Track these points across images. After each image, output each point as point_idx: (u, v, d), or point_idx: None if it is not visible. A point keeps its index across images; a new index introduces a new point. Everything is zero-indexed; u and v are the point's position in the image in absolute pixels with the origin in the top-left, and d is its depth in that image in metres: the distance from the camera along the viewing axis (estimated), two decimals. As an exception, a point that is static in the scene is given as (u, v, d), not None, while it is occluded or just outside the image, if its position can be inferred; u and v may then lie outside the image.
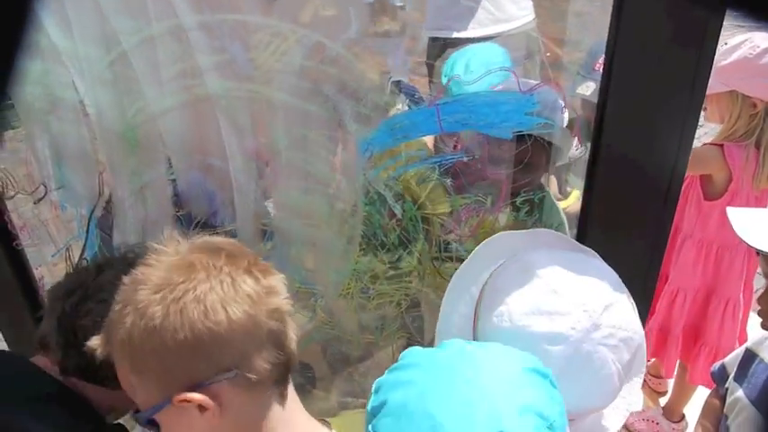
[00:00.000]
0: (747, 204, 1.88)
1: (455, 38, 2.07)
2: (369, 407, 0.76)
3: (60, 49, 1.34)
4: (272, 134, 1.35)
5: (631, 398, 0.90)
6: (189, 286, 0.79)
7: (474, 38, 2.16)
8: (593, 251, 0.95)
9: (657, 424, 2.29)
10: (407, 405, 0.69)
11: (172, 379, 0.80)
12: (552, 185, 1.53)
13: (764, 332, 1.25)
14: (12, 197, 1.53)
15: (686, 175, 1.84)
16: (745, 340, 2.04)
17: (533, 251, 0.90)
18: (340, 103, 1.29)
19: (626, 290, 0.87)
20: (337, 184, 1.39)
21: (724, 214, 1.89)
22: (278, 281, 0.86)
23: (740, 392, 1.30)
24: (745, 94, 1.78)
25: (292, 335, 0.87)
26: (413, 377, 0.72)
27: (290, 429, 0.87)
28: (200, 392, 0.79)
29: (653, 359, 2.30)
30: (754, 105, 1.81)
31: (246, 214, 1.45)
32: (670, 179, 1.19)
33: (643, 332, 0.87)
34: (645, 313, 1.42)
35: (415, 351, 0.78)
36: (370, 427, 0.73)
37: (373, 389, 0.77)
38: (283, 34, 1.25)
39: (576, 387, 0.79)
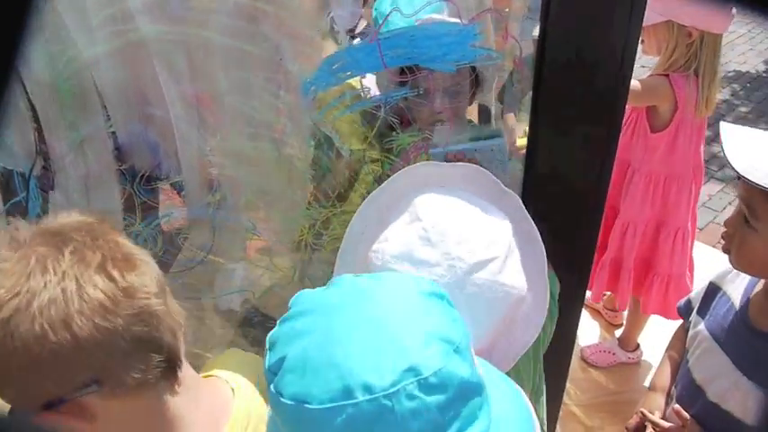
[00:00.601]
0: (691, 134, 1.93)
1: None
2: (266, 365, 0.70)
3: (-21, -2, 1.26)
4: (211, 78, 1.31)
5: (510, 358, 0.87)
6: (21, 302, 0.67)
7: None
8: (513, 194, 0.92)
9: (614, 354, 2.38)
10: (309, 357, 0.65)
11: (28, 398, 0.73)
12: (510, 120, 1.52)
13: (729, 265, 1.24)
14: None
15: (632, 106, 1.88)
16: (693, 268, 2.11)
17: (432, 192, 0.87)
18: (279, 43, 1.26)
19: (515, 247, 0.84)
20: (283, 127, 1.36)
21: (670, 145, 1.94)
22: (142, 275, 0.75)
23: (701, 326, 1.31)
24: (680, 23, 1.81)
25: (171, 329, 0.77)
26: (309, 325, 0.68)
27: (185, 423, 0.81)
28: (62, 408, 0.71)
29: (608, 293, 2.37)
30: (690, 35, 1.83)
31: (191, 164, 1.41)
32: (613, 104, 1.21)
33: (522, 294, 0.83)
34: (592, 245, 1.45)
35: (305, 296, 0.73)
36: (272, 387, 0.67)
37: (267, 344, 0.71)
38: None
39: None
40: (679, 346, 1.42)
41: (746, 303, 1.22)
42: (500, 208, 0.89)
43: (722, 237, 1.24)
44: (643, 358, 2.38)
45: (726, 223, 1.23)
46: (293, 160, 1.39)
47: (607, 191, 1.37)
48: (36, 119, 1.41)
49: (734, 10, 1.77)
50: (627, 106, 1.92)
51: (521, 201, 0.92)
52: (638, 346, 2.39)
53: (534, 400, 1.14)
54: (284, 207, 1.46)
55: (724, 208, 3.50)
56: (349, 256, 0.91)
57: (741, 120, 4.25)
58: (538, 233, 0.91)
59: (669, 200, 2.00)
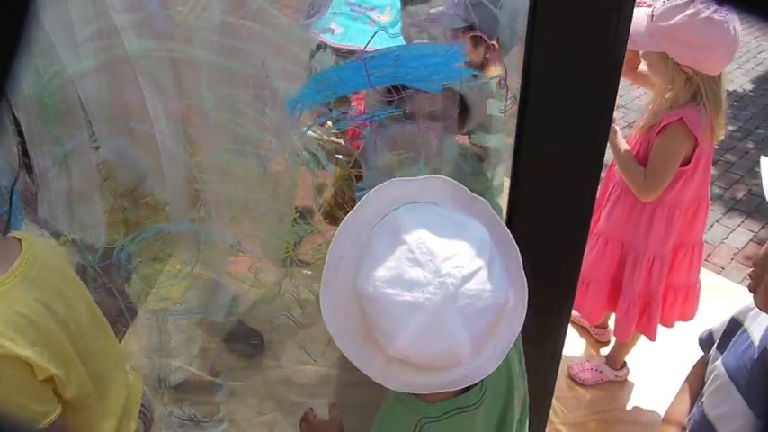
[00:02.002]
0: (706, 161, 1.94)
1: None
2: None
3: (-36, 11, 1.26)
4: (197, 95, 1.31)
5: (498, 352, 0.91)
6: None
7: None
8: (482, 200, 0.95)
9: (600, 372, 2.37)
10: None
11: None
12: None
13: (751, 301, 1.20)
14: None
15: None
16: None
17: (408, 211, 0.90)
18: (266, 60, 1.26)
19: (497, 251, 0.88)
20: (268, 144, 1.36)
21: (690, 177, 1.94)
22: None
23: (719, 361, 1.28)
24: (676, 60, 1.78)
25: None
26: None
27: None
28: None
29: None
30: (687, 72, 1.79)
31: (177, 180, 1.41)
32: (597, 121, 1.21)
33: (507, 295, 0.87)
34: (578, 262, 1.45)
35: None
36: None
37: None
38: (201, -11, 1.21)
39: (429, 350, 0.84)
40: (696, 379, 1.39)
41: (766, 345, 1.18)
42: (472, 215, 0.92)
43: (749, 276, 1.21)
44: (629, 377, 2.38)
45: (754, 263, 1.18)
46: (279, 177, 1.38)
47: (593, 204, 1.37)
48: (20, 133, 1.41)
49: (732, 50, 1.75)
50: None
51: (489, 205, 0.94)
52: (624, 364, 2.39)
53: (521, 422, 1.15)
54: (269, 223, 1.46)
55: (711, 226, 3.54)
56: (331, 283, 0.92)
57: (728, 139, 4.29)
58: (510, 234, 0.94)
59: (687, 223, 2.02)
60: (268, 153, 1.37)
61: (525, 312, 0.93)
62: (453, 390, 0.92)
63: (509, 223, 1.33)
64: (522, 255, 0.93)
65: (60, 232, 1.56)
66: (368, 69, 1.26)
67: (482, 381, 0.96)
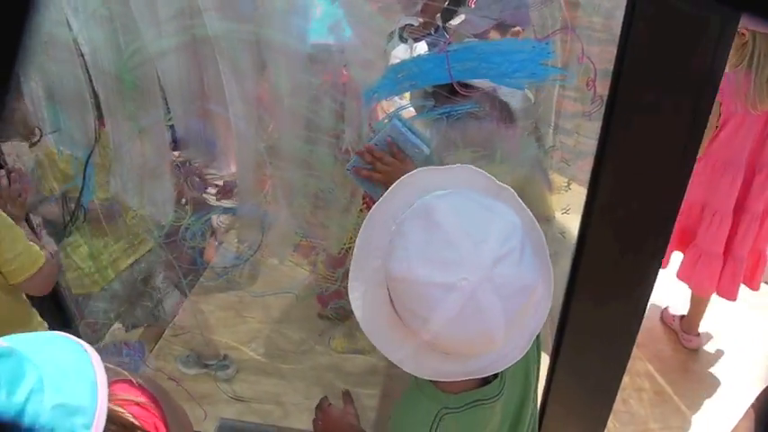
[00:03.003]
0: (750, 125, 1.93)
1: None
2: None
3: (53, -16, 1.27)
4: (275, 79, 1.29)
5: (525, 341, 0.90)
6: None
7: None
8: (509, 189, 0.93)
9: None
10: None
11: None
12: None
13: None
14: (5, 141, 1.49)
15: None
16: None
17: (439, 196, 0.89)
18: (345, 49, 1.23)
19: (527, 237, 0.86)
20: (341, 133, 1.34)
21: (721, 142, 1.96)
22: None
23: None
24: None
25: None
26: None
27: None
28: None
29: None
30: (743, 34, 1.81)
31: (247, 163, 1.41)
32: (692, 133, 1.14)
33: (537, 278, 0.86)
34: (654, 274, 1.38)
35: None
36: None
37: None
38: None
39: (464, 332, 0.82)
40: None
41: None
42: (500, 202, 0.90)
43: None
44: (683, 407, 2.32)
45: None
46: (349, 168, 1.36)
47: (676, 216, 1.30)
48: (98, 107, 1.42)
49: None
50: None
51: (515, 194, 0.92)
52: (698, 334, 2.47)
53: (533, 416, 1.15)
54: (335, 212, 1.44)
55: None
56: (360, 272, 0.91)
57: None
58: (536, 222, 0.92)
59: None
60: (340, 142, 1.34)
61: (551, 302, 0.91)
62: (479, 378, 0.91)
63: (585, 226, 1.28)
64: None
65: (129, 206, 1.58)
66: (449, 62, 1.22)
67: (502, 374, 0.96)
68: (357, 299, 0.90)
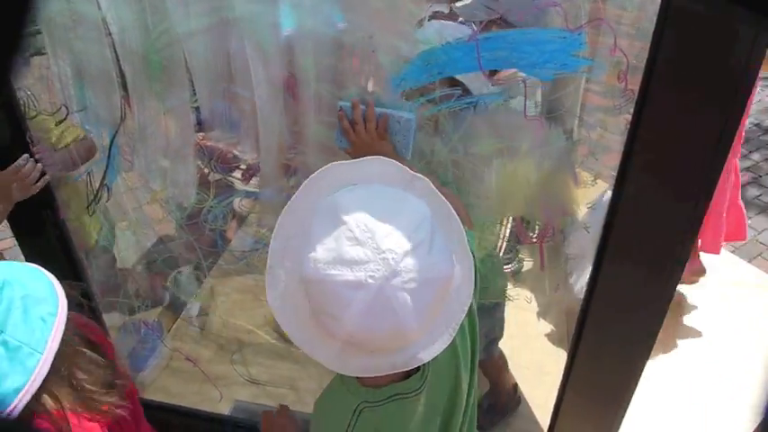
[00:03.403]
0: None
1: None
2: None
3: (83, -38, 1.27)
4: (301, 64, 1.28)
5: (450, 330, 0.90)
6: None
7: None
8: (424, 178, 0.91)
9: None
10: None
11: None
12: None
13: None
14: (33, 117, 1.50)
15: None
16: None
17: (347, 192, 0.89)
18: (374, 34, 1.22)
19: (440, 226, 0.87)
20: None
21: None
22: None
23: None
24: None
25: None
26: None
27: None
28: None
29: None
30: None
31: (270, 147, 1.40)
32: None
33: (451, 269, 0.87)
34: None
35: None
36: None
37: None
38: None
39: (377, 329, 0.83)
40: None
41: None
42: (414, 192, 0.91)
43: None
44: None
45: None
46: (373, 154, 1.34)
47: (704, 214, 1.28)
48: (124, 87, 1.43)
49: None
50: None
51: (431, 183, 0.91)
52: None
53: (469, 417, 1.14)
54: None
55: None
56: (276, 272, 0.90)
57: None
58: (452, 209, 0.92)
59: None
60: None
61: (473, 289, 0.92)
62: (401, 372, 0.92)
63: (609, 222, 1.26)
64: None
65: (152, 188, 1.59)
66: (479, 51, 1.20)
67: (424, 367, 0.97)
68: (274, 300, 0.90)
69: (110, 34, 1.35)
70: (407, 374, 0.96)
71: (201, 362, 2.18)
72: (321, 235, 0.84)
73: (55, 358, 0.93)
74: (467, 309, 0.91)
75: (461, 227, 0.91)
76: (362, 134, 1.24)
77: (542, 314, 2.18)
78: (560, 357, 2.23)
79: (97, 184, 1.59)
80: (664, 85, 1.11)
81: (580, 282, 1.73)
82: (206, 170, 1.52)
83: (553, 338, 2.32)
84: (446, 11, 1.25)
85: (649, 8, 1.26)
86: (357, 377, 0.96)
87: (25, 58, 1.34)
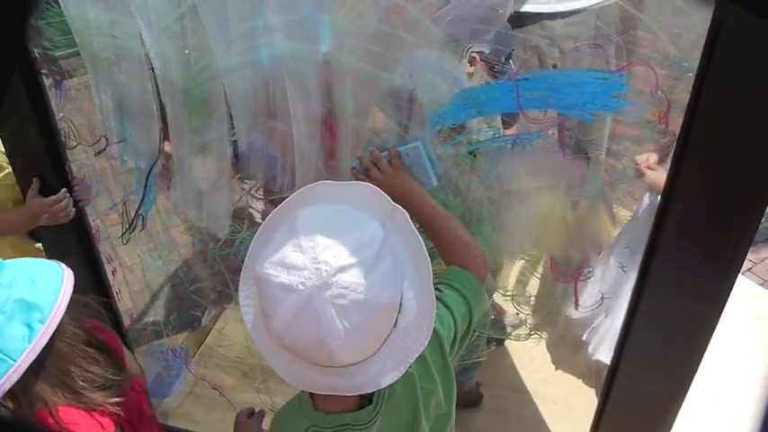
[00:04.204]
0: None
1: (533, 12, 1.96)
2: None
3: (129, 0, 1.30)
4: (340, 99, 1.29)
5: (401, 366, 0.91)
6: None
7: (547, 13, 2.04)
8: (402, 210, 0.94)
9: None
10: None
11: None
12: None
13: None
14: (74, 147, 1.53)
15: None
16: None
17: (312, 205, 0.93)
18: (414, 73, 1.23)
19: (389, 255, 0.88)
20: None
21: None
22: None
23: None
24: None
25: None
26: None
27: None
28: None
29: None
30: None
31: (307, 181, 1.41)
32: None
33: (390, 296, 0.87)
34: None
35: None
36: None
37: None
38: (360, -6, 1.19)
39: (301, 335, 0.86)
40: None
41: None
42: (389, 222, 0.93)
43: None
44: None
45: None
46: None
47: (741, 265, 1.26)
48: (164, 119, 1.45)
49: None
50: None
51: (408, 217, 0.94)
52: None
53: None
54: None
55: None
56: (249, 272, 0.95)
57: None
58: (423, 246, 0.93)
59: None
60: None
61: (430, 334, 0.92)
62: (354, 402, 0.96)
63: (647, 262, 1.24)
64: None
65: (187, 218, 1.60)
66: (519, 91, 1.21)
67: (377, 400, 0.99)
68: (247, 306, 0.95)
69: (152, 69, 1.37)
70: (360, 406, 0.98)
71: (225, 389, 2.17)
72: (277, 240, 0.89)
73: (48, 358, 0.98)
74: (422, 349, 0.92)
75: (430, 268, 0.92)
76: (378, 176, 1.25)
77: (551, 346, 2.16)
78: (587, 392, 2.20)
79: (132, 214, 1.61)
80: (706, 124, 1.09)
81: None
82: (240, 202, 1.54)
83: (579, 373, 2.28)
84: (487, 51, 1.26)
85: (682, 44, 1.26)
86: (312, 400, 0.99)
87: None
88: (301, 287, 0.83)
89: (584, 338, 1.85)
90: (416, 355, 0.92)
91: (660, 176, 1.45)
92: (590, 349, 1.82)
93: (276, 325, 0.86)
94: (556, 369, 2.25)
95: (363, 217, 0.92)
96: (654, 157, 1.50)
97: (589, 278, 1.41)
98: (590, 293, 1.49)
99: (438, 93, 1.24)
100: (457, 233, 1.17)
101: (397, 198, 0.96)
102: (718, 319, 1.29)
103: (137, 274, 1.95)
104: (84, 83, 1.50)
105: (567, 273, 1.44)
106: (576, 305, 1.47)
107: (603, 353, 1.77)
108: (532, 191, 1.33)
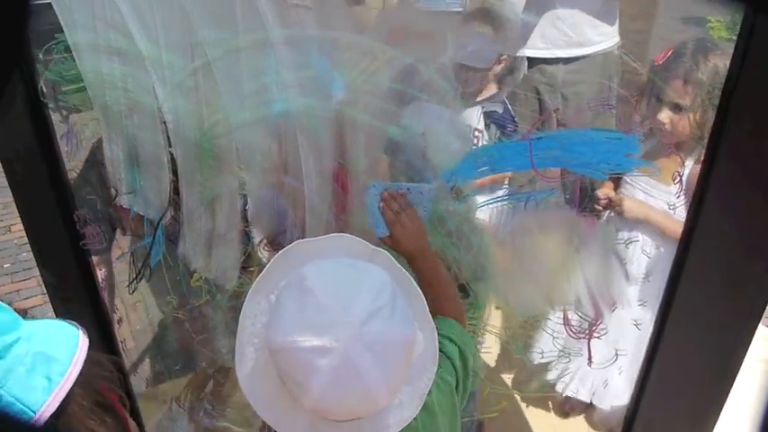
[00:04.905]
0: None
1: (530, 57, 1.98)
2: None
3: (144, 55, 1.31)
4: (352, 156, 1.29)
5: (417, 398, 0.91)
6: None
7: (548, 58, 2.06)
8: (384, 252, 0.96)
9: None
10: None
11: None
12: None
13: None
14: (83, 198, 1.52)
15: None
16: None
17: (312, 264, 0.91)
18: (426, 131, 1.23)
19: (398, 292, 0.88)
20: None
21: None
22: None
23: None
24: None
25: None
26: None
27: None
28: None
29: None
30: None
31: (318, 235, 1.40)
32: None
33: (413, 331, 0.88)
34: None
35: None
36: None
37: None
38: (374, 54, 1.20)
39: (344, 395, 0.83)
40: None
41: None
42: (375, 263, 0.94)
43: None
44: None
45: None
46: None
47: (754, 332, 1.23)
48: (174, 171, 1.45)
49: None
50: None
51: (390, 257, 0.95)
52: None
53: None
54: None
55: None
56: (245, 351, 0.92)
57: None
58: (413, 282, 0.95)
59: None
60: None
61: (437, 359, 0.93)
62: None
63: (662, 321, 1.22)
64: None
65: (195, 269, 1.59)
66: (532, 150, 1.21)
67: None
68: (244, 379, 0.91)
69: (164, 122, 1.38)
70: None
71: (229, 438, 2.13)
72: (288, 305, 0.86)
73: (61, 416, 0.95)
74: (432, 377, 0.92)
75: (422, 297, 0.93)
76: (405, 222, 1.23)
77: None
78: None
79: (140, 264, 1.60)
80: (721, 186, 1.09)
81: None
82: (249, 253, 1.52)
83: (591, 423, 2.24)
84: (500, 110, 1.26)
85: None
86: None
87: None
88: (335, 344, 0.81)
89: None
90: (431, 384, 0.92)
91: (632, 202, 1.43)
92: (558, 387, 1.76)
93: (314, 390, 0.82)
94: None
95: (361, 264, 0.92)
96: (610, 187, 1.47)
97: (603, 335, 1.39)
98: (603, 349, 1.47)
99: (450, 150, 1.24)
100: (449, 282, 1.20)
101: (415, 247, 1.02)
102: (739, 368, 1.27)
103: (139, 314, 1.93)
104: (91, 117, 1.47)
105: (580, 329, 1.42)
106: (590, 361, 1.45)
107: (571, 389, 1.73)
108: (545, 247, 1.32)
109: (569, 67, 2.14)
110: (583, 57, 2.01)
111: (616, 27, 2.17)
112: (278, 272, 0.94)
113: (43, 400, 0.93)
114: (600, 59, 2.14)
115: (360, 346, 0.81)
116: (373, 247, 0.96)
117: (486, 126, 1.28)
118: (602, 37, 2.15)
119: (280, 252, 0.96)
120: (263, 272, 0.95)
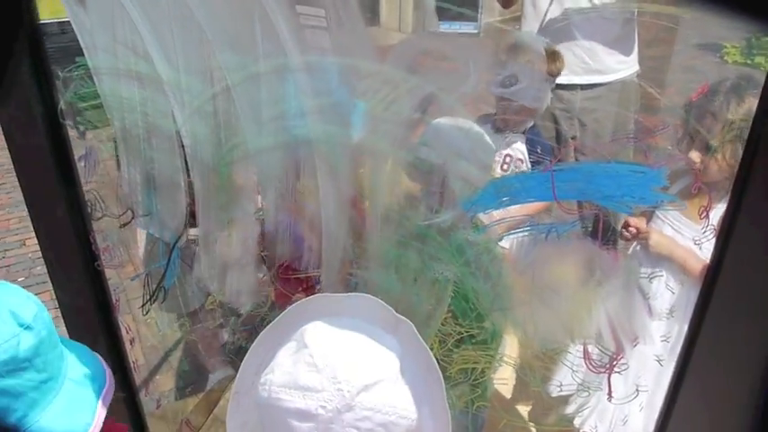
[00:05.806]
0: None
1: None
2: None
3: (163, 79, 1.31)
4: (372, 184, 1.28)
5: None
6: None
7: (565, 84, 2.05)
8: (407, 322, 0.88)
9: None
10: None
11: None
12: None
13: None
14: (99, 219, 1.52)
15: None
16: None
17: (322, 320, 0.84)
18: (446, 161, 1.21)
19: (408, 371, 0.81)
20: (432, 241, 1.31)
21: None
22: None
23: None
24: None
25: None
26: None
27: None
28: None
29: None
30: None
31: (333, 262, 1.38)
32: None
33: (414, 416, 0.79)
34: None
35: None
36: None
37: None
38: (394, 82, 1.18)
39: None
40: None
41: None
42: (395, 335, 0.86)
43: None
44: None
45: None
46: (438, 275, 1.32)
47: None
48: (191, 195, 1.44)
49: None
50: None
51: (414, 327, 0.87)
52: None
53: None
54: (419, 320, 1.39)
55: None
56: (242, 398, 0.86)
57: None
58: (434, 359, 0.86)
59: None
60: (431, 250, 1.31)
61: None
62: None
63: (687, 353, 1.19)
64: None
65: (209, 292, 1.57)
66: (554, 181, 1.18)
67: None
68: (234, 429, 0.86)
69: (182, 146, 1.37)
70: None
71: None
72: (282, 359, 0.80)
73: None
74: None
75: (441, 380, 0.85)
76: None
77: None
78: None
79: (154, 286, 1.59)
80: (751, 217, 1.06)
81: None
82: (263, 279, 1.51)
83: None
84: (522, 141, 1.24)
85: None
86: None
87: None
88: (321, 411, 0.74)
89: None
90: None
91: (659, 236, 1.40)
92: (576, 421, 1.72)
93: None
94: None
95: (375, 330, 0.85)
96: (642, 220, 1.45)
97: (624, 370, 1.35)
98: (624, 384, 1.43)
99: (471, 180, 1.22)
100: None
101: None
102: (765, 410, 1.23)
103: (152, 330, 1.92)
104: (108, 133, 1.46)
105: (600, 363, 1.38)
106: (610, 397, 1.41)
107: (589, 425, 1.68)
108: (566, 278, 1.29)
109: (587, 94, 2.13)
110: (600, 84, 2.00)
111: (635, 55, 2.16)
112: (287, 323, 0.88)
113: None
114: (618, 87, 2.13)
115: (347, 418, 0.74)
116: (398, 315, 0.89)
117: (531, 154, 1.26)
118: (621, 65, 2.14)
119: (295, 303, 0.91)
120: (272, 322, 0.89)
